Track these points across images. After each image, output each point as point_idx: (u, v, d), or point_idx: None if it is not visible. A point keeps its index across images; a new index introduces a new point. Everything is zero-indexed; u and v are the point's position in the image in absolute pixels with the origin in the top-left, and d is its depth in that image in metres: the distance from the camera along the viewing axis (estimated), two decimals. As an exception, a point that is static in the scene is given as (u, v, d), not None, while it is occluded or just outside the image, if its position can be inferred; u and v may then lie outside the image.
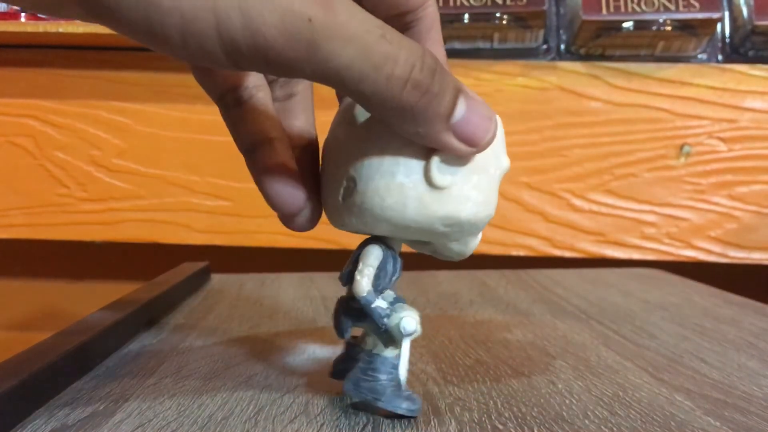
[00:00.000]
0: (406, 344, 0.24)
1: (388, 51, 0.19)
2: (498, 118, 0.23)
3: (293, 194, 0.24)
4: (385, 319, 0.24)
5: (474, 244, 0.26)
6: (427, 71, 0.20)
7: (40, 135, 0.74)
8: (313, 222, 0.25)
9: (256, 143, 0.25)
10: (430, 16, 0.24)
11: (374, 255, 0.24)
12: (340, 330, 0.25)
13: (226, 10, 0.17)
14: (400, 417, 0.24)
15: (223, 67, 0.19)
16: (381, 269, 0.24)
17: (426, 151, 0.22)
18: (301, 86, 0.27)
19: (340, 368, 0.27)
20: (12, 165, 0.74)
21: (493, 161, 0.24)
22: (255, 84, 0.26)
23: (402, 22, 0.24)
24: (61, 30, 0.66)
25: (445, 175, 0.22)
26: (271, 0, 0.18)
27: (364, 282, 0.24)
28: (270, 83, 0.27)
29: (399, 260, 0.25)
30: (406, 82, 0.19)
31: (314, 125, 0.28)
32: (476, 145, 0.21)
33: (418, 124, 0.21)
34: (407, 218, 0.23)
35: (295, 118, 0.27)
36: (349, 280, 0.25)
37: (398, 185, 0.22)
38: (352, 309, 0.25)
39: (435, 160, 0.22)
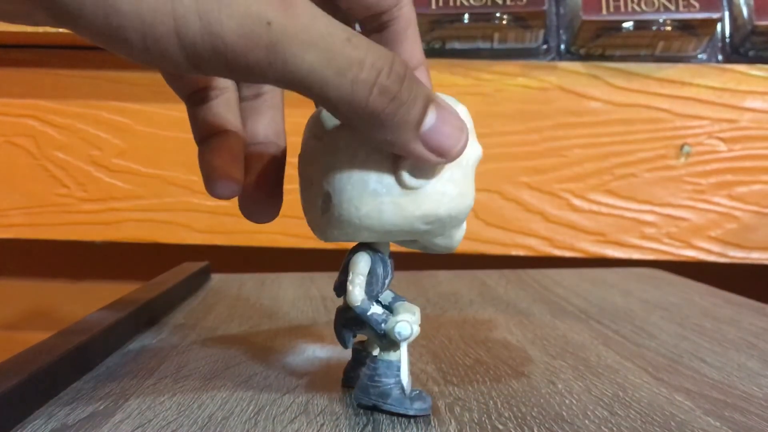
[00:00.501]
0: (403, 349, 0.24)
1: (353, 55, 0.19)
2: (464, 107, 0.23)
3: (226, 183, 0.25)
4: (383, 325, 0.24)
5: (459, 236, 0.26)
6: (394, 77, 0.19)
7: (40, 135, 0.74)
8: (267, 216, 0.26)
9: (211, 134, 0.26)
10: (405, 15, 0.24)
11: (363, 262, 0.24)
12: (342, 341, 0.26)
13: (185, 15, 0.17)
14: (413, 417, 0.24)
15: (186, 71, 0.19)
16: (372, 275, 0.24)
17: (394, 154, 0.22)
18: (269, 86, 0.27)
19: (351, 376, 0.27)
20: (12, 165, 0.74)
21: (467, 152, 0.23)
22: (224, 85, 0.26)
23: (378, 22, 0.24)
24: (61, 30, 0.66)
25: (417, 175, 0.22)
26: (229, 4, 0.17)
27: (356, 291, 0.24)
28: (238, 83, 0.27)
29: (389, 262, 0.25)
30: (372, 87, 0.19)
31: (282, 123, 0.27)
32: (445, 155, 0.21)
33: (387, 132, 0.20)
34: (386, 224, 0.23)
35: (261, 116, 0.27)
36: (342, 290, 0.25)
37: (371, 193, 0.22)
38: (350, 319, 0.25)
39: (405, 162, 0.22)
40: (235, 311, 0.43)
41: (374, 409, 0.25)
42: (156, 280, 0.46)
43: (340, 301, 0.26)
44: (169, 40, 0.17)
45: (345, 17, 0.24)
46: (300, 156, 0.25)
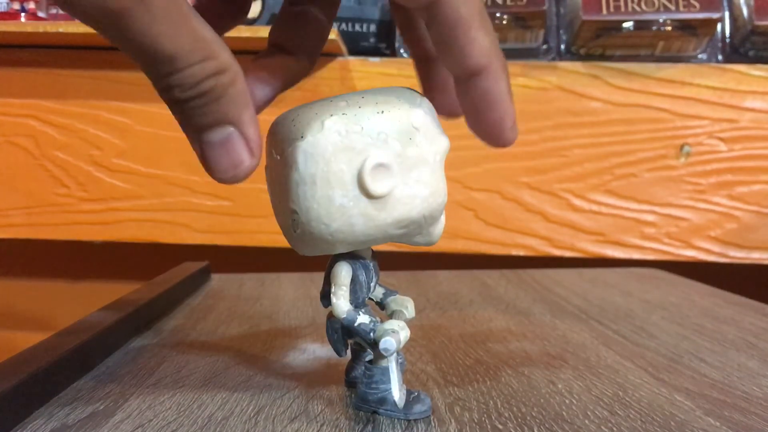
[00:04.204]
0: (391, 364, 0.24)
1: (174, 49, 0.19)
2: (427, 102, 0.23)
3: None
4: (371, 334, 0.24)
5: (439, 230, 0.25)
6: (198, 87, 0.20)
7: (40, 135, 0.74)
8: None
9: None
10: (445, 17, 0.22)
11: (344, 273, 0.24)
12: (336, 350, 0.25)
13: None
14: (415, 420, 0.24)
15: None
16: (354, 283, 0.24)
17: (353, 164, 0.22)
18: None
19: (352, 376, 0.27)
20: (12, 165, 0.74)
21: (429, 149, 0.23)
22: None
23: (420, 17, 0.23)
24: (61, 30, 0.66)
25: (382, 182, 0.22)
26: None
27: (341, 303, 0.24)
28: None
29: (371, 264, 0.25)
30: (167, 80, 0.20)
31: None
32: (211, 173, 0.22)
33: (178, 118, 0.21)
34: (359, 235, 0.22)
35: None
36: (328, 301, 0.25)
37: (339, 208, 0.22)
38: (340, 328, 0.25)
39: (367, 169, 0.22)
40: (235, 311, 0.43)
41: (375, 414, 0.25)
42: (156, 280, 0.46)
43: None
44: None
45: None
46: (266, 170, 0.25)
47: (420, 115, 0.23)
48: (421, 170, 0.22)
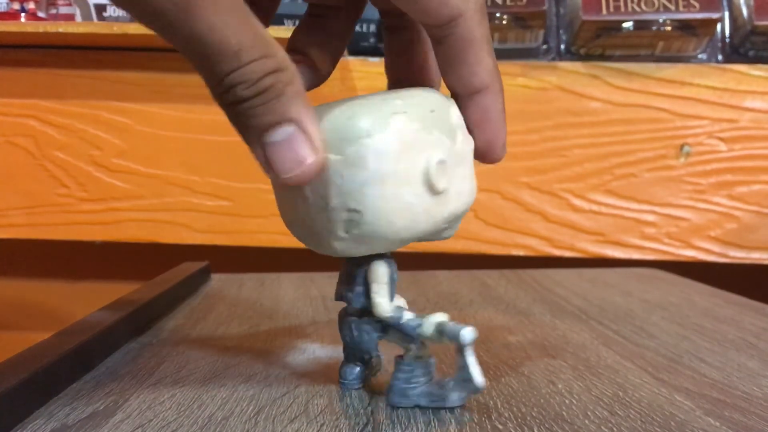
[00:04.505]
0: (470, 352, 0.24)
1: (228, 48, 0.19)
2: (450, 99, 0.23)
3: None
4: (418, 330, 0.24)
5: (458, 224, 0.26)
6: (257, 86, 0.20)
7: (40, 135, 0.74)
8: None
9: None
10: (460, 36, 0.23)
11: (383, 272, 0.24)
12: (368, 351, 0.25)
13: None
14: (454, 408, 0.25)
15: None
16: (391, 282, 0.25)
17: (418, 161, 0.22)
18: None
19: (351, 379, 0.27)
20: (12, 165, 0.74)
21: (467, 145, 0.24)
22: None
23: (433, 34, 0.23)
24: (61, 30, 0.66)
25: (443, 178, 0.22)
26: None
27: (385, 302, 0.24)
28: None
29: (394, 263, 0.25)
30: (223, 80, 0.20)
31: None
32: (276, 174, 0.21)
33: (235, 124, 0.21)
34: (419, 232, 0.23)
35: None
36: (358, 301, 0.24)
37: (407, 205, 0.22)
38: (372, 327, 0.25)
39: (433, 166, 0.22)
40: (235, 311, 0.43)
41: (417, 407, 0.25)
42: (156, 280, 0.46)
43: (340, 303, 0.26)
44: None
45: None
46: None
47: (457, 113, 0.24)
48: (464, 166, 0.23)
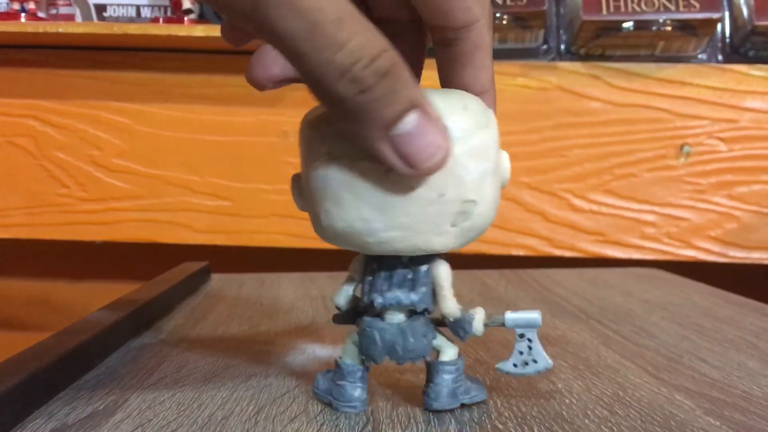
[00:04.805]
0: (533, 335, 0.25)
1: (336, 36, 0.18)
2: (491, 115, 0.23)
3: None
4: (471, 325, 0.24)
5: None
6: (373, 70, 0.18)
7: (40, 135, 0.74)
8: None
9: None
10: (473, 39, 0.23)
11: (449, 271, 0.24)
12: (422, 353, 0.24)
13: None
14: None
15: None
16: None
17: (501, 156, 0.23)
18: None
19: (353, 393, 0.25)
20: (12, 165, 0.74)
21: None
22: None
23: (443, 36, 0.23)
24: (61, 30, 0.66)
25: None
26: None
27: (454, 303, 0.24)
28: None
29: None
30: (343, 73, 0.18)
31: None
32: (414, 167, 0.20)
33: (352, 122, 0.20)
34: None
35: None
36: (424, 302, 0.24)
37: (497, 198, 0.23)
38: (427, 328, 0.24)
39: (508, 162, 0.24)
40: (235, 311, 0.43)
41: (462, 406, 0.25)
42: (156, 280, 0.46)
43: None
44: None
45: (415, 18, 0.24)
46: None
47: (493, 125, 0.24)
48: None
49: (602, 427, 0.24)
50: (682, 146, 0.71)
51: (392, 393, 0.27)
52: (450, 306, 0.24)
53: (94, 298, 0.50)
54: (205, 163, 0.73)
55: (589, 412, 0.25)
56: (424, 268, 0.24)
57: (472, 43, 0.23)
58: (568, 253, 0.72)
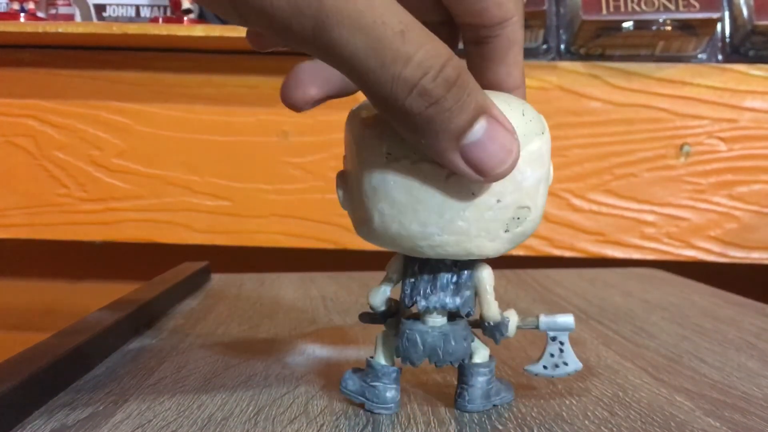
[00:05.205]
0: (565, 338, 0.25)
1: (401, 49, 0.18)
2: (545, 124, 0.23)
3: None
4: (504, 328, 0.25)
5: None
6: (441, 81, 0.18)
7: (40, 135, 0.74)
8: None
9: None
10: (507, 36, 0.23)
11: (492, 276, 0.24)
12: (462, 356, 0.24)
13: None
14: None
15: (233, 18, 0.18)
16: None
17: (548, 155, 0.23)
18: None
19: (368, 387, 0.25)
20: (12, 165, 0.74)
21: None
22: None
23: (477, 34, 0.23)
24: (60, 30, 0.66)
25: None
26: None
27: (497, 307, 0.24)
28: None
29: None
30: (412, 87, 0.18)
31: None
32: (485, 174, 0.20)
33: (421, 135, 0.19)
34: None
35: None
36: (467, 306, 0.24)
37: (545, 201, 0.23)
38: (464, 331, 0.24)
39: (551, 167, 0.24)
40: (235, 311, 0.43)
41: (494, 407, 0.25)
42: (156, 280, 0.46)
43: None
44: None
45: (447, 17, 0.24)
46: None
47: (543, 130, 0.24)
48: None
49: (602, 428, 0.24)
50: (682, 146, 0.71)
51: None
52: (493, 310, 0.24)
53: (94, 298, 0.50)
54: (205, 163, 0.73)
55: (589, 413, 0.25)
56: (467, 271, 0.24)
57: (506, 39, 0.23)
58: (568, 253, 0.72)
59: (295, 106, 0.23)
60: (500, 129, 0.20)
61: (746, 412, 0.25)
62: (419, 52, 0.18)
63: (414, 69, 0.18)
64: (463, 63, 0.19)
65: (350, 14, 0.17)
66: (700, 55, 0.71)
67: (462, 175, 0.20)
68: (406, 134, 0.20)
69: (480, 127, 0.19)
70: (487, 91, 0.23)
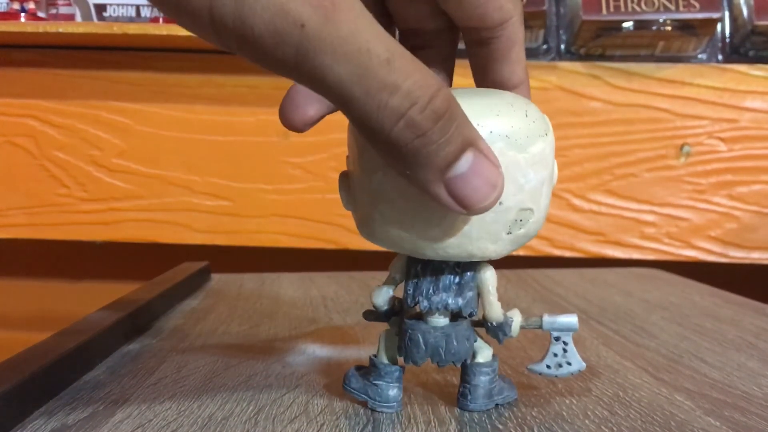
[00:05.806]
0: (569, 338, 0.25)
1: (387, 79, 0.17)
2: (548, 121, 0.23)
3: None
4: (507, 329, 0.25)
5: None
6: (429, 113, 0.18)
7: (40, 135, 0.74)
8: None
9: None
10: (509, 36, 0.23)
11: (494, 277, 0.24)
12: (464, 355, 0.24)
13: None
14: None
15: (215, 44, 0.18)
16: None
17: (552, 156, 0.23)
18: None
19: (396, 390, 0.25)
20: (12, 165, 0.74)
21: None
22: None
23: (479, 36, 0.23)
24: (60, 30, 0.66)
25: None
26: None
27: (500, 307, 0.24)
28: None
29: None
30: (399, 118, 0.18)
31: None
32: (468, 208, 0.19)
33: (406, 165, 0.19)
34: None
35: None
36: (470, 306, 0.24)
37: (549, 202, 0.23)
38: (467, 331, 0.24)
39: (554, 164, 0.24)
40: (235, 311, 0.43)
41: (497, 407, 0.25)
42: (156, 280, 0.46)
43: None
44: (201, 14, 0.17)
45: (448, 21, 0.24)
46: None
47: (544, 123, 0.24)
48: None
49: (602, 427, 0.24)
50: (682, 146, 0.71)
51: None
52: (496, 311, 0.24)
53: (94, 298, 0.50)
54: (205, 163, 0.73)
55: (589, 413, 0.25)
56: (469, 272, 0.24)
57: (507, 39, 0.24)
58: (568, 253, 0.72)
59: (295, 128, 0.24)
60: (486, 163, 0.19)
61: (746, 412, 0.25)
62: (407, 81, 0.18)
63: (401, 99, 0.17)
64: (451, 94, 0.19)
65: (333, 41, 0.17)
66: (700, 56, 0.71)
67: (442, 204, 0.20)
68: (390, 163, 0.20)
69: (466, 160, 0.19)
70: (491, 91, 0.23)
